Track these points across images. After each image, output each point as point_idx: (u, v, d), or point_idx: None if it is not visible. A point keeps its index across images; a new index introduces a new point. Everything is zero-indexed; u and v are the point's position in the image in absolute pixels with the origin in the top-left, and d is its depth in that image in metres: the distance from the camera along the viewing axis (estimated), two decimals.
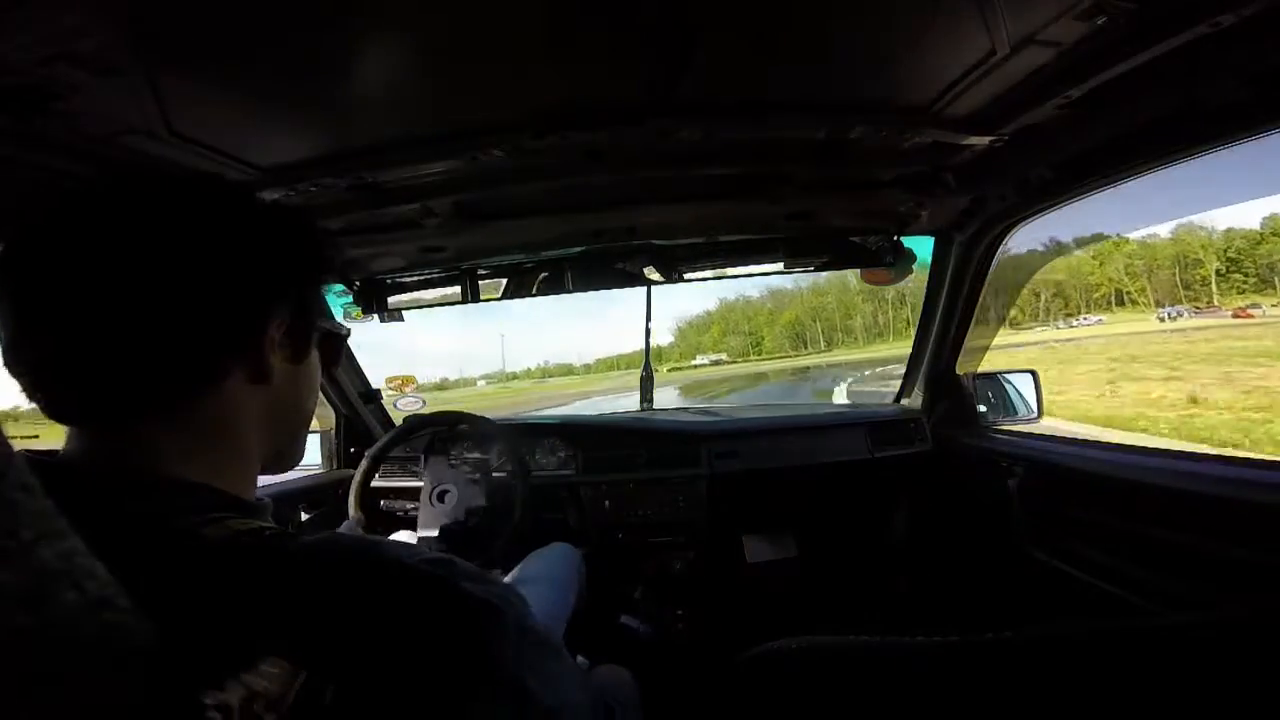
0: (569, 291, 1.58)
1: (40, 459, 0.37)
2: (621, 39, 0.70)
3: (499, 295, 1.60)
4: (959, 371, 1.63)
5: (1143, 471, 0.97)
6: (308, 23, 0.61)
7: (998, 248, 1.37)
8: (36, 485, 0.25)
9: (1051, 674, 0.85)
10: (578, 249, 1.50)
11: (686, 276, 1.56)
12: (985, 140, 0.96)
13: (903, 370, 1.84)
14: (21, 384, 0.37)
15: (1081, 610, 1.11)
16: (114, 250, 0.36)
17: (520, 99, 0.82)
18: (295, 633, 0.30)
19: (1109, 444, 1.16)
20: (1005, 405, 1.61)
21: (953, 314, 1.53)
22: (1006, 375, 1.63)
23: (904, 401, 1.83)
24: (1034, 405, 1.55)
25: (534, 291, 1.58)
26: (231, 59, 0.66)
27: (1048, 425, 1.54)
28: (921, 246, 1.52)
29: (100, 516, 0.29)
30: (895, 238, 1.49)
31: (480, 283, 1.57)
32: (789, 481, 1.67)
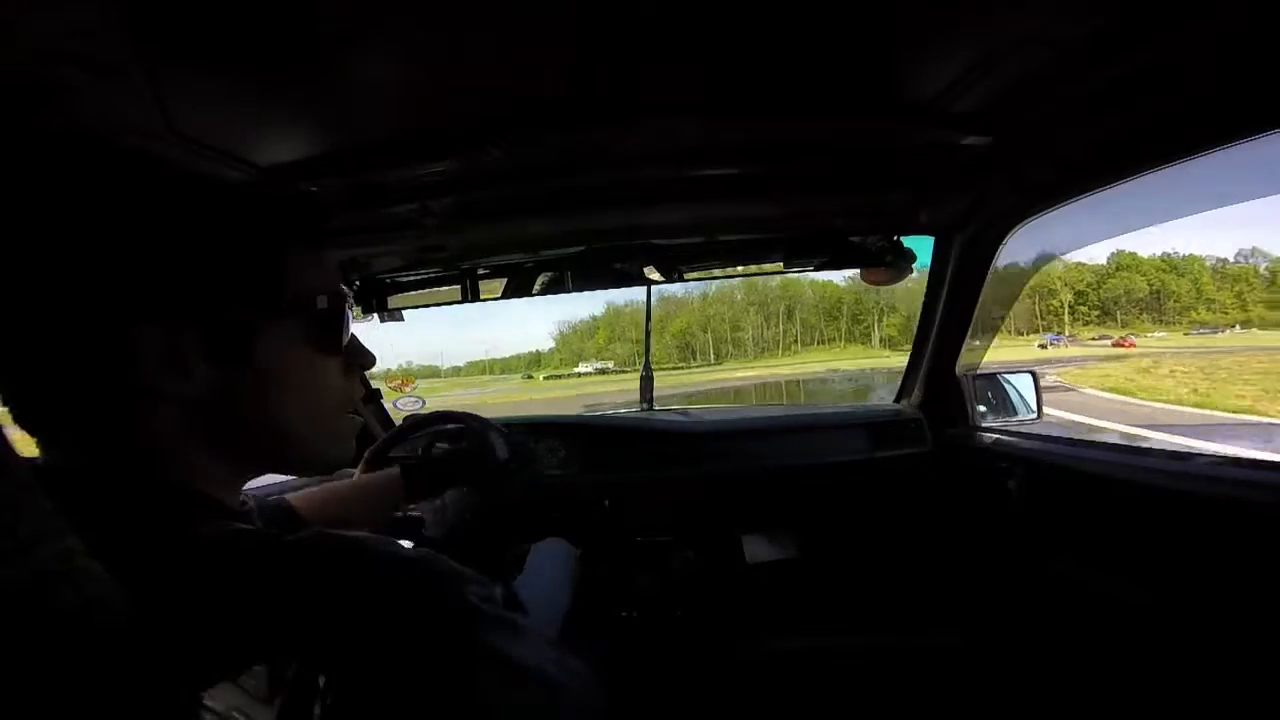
0: (569, 291, 1.58)
1: (29, 463, 0.37)
2: (622, 38, 0.70)
3: (499, 295, 1.60)
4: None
5: (1142, 472, 0.97)
6: (308, 22, 0.61)
7: (998, 248, 1.37)
8: (36, 485, 0.25)
9: (1051, 674, 0.85)
10: (578, 249, 1.50)
11: (687, 276, 1.57)
12: (985, 140, 0.96)
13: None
14: None
15: (1081, 611, 1.11)
16: None
17: (519, 98, 0.82)
18: (284, 628, 0.31)
19: (1109, 444, 1.16)
20: (1005, 406, 1.61)
21: (953, 315, 1.53)
22: (1006, 376, 1.63)
23: (903, 402, 1.83)
24: (1034, 405, 1.55)
25: (534, 291, 1.58)
26: (231, 58, 0.66)
27: None
28: (921, 247, 1.52)
29: (89, 517, 0.29)
30: (895, 238, 1.49)
31: (480, 283, 1.57)
32: (787, 482, 1.67)
